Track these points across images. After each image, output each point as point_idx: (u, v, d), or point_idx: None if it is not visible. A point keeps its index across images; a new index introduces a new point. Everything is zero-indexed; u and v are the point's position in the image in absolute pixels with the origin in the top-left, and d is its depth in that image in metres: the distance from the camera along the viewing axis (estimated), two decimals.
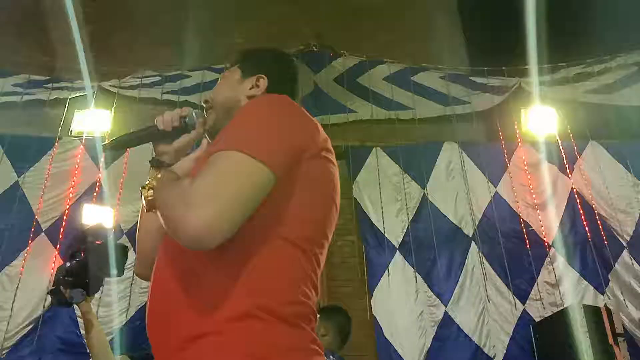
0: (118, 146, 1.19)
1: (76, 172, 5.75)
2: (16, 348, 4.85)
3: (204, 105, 1.33)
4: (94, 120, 6.24)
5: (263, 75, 1.30)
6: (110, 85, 6.51)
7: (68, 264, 2.10)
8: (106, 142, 1.17)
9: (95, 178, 5.75)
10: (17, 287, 4.99)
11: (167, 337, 0.97)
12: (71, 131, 6.20)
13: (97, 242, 2.07)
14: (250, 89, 1.30)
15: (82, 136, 6.06)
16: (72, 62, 6.12)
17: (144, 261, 1.26)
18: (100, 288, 2.19)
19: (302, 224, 1.01)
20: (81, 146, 5.93)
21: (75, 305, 2.27)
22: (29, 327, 4.95)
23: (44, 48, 6.53)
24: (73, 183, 5.66)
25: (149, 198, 1.06)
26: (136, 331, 4.79)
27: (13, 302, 4.93)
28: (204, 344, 0.90)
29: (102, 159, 5.74)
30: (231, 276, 0.94)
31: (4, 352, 4.77)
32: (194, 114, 1.22)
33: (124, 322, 4.92)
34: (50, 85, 6.35)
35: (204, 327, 0.91)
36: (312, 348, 0.95)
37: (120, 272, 2.09)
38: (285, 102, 1.12)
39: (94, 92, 6.38)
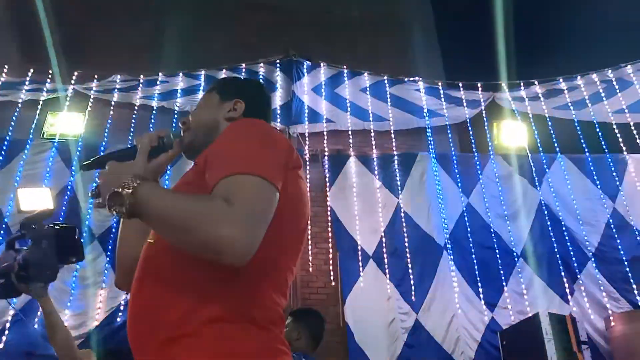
0: (98, 165, 1.23)
1: (48, 175, 5.91)
2: None
3: (182, 126, 1.45)
4: (67, 123, 6.43)
5: (240, 100, 1.45)
6: (85, 89, 6.69)
7: (18, 256, 1.86)
8: (86, 162, 1.22)
9: (67, 181, 5.92)
10: None
11: (148, 338, 1.09)
12: (44, 133, 6.36)
13: (47, 226, 1.88)
14: (228, 111, 1.44)
15: (54, 139, 6.23)
16: (46, 64, 6.31)
17: (124, 271, 1.35)
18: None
19: (275, 236, 1.12)
20: (53, 149, 6.10)
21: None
22: None
23: (19, 49, 6.71)
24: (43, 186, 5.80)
25: (131, 202, 1.05)
26: (106, 333, 4.99)
27: None
28: (182, 345, 1.03)
29: (75, 162, 5.92)
30: (208, 284, 1.08)
31: None
32: (171, 134, 1.33)
33: (95, 326, 5.09)
34: (23, 86, 6.50)
35: (182, 329, 1.04)
36: (280, 348, 1.10)
37: (82, 256, 1.94)
38: (266, 125, 1.30)
39: (67, 95, 6.57)
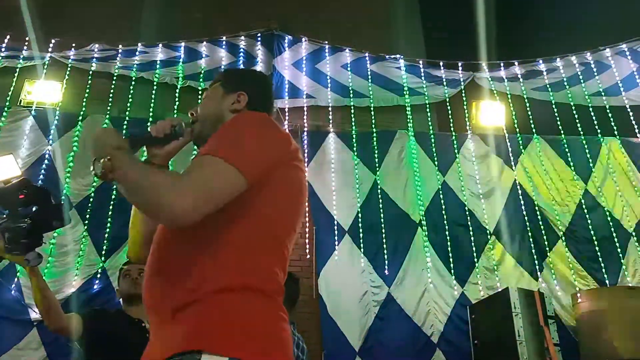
0: (142, 143, 1.40)
1: (24, 143, 6.05)
2: None
3: (191, 118, 1.63)
4: (44, 91, 6.55)
5: (243, 92, 1.62)
6: (62, 57, 6.79)
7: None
8: (134, 137, 1.37)
9: (45, 150, 6.07)
10: None
11: (162, 305, 1.27)
12: (21, 101, 6.48)
13: (22, 194, 1.92)
14: (232, 104, 1.61)
15: (31, 107, 6.36)
16: (23, 31, 6.39)
17: (139, 243, 1.58)
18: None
19: (276, 220, 1.36)
20: (31, 117, 6.23)
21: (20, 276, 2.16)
22: None
23: None
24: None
25: (107, 168, 1.24)
26: (82, 299, 5.21)
27: None
28: (191, 309, 1.20)
29: (53, 131, 6.07)
30: (219, 257, 1.26)
31: None
32: (183, 124, 1.51)
33: (73, 292, 5.31)
34: None
35: (195, 296, 1.21)
36: (280, 315, 1.28)
37: (64, 218, 2.00)
38: (264, 119, 1.45)
39: (44, 63, 6.67)
